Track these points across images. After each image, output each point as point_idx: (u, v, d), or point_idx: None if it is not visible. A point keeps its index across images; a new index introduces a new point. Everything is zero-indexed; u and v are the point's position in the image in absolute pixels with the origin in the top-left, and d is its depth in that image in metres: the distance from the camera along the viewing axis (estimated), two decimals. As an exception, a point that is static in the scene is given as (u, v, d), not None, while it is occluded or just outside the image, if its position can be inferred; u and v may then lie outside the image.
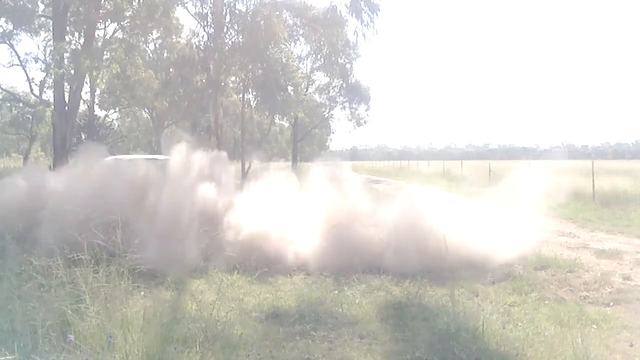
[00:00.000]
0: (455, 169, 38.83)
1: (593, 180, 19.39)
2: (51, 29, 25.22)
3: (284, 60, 26.95)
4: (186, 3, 26.52)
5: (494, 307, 6.11)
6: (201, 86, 25.61)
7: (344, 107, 44.83)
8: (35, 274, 5.02)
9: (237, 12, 25.22)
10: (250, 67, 25.45)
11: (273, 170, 12.68)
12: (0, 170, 23.51)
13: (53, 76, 22.91)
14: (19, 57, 27.38)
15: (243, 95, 28.96)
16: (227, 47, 24.93)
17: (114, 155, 13.57)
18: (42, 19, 26.67)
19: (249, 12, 25.10)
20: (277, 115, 34.48)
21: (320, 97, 45.81)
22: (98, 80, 27.53)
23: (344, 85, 42.20)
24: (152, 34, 29.70)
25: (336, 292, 7.00)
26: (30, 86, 29.26)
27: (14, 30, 25.34)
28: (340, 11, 27.24)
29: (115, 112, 42.72)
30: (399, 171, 50.33)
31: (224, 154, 11.78)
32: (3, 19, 24.46)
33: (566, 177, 17.12)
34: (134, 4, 24.88)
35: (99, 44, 27.76)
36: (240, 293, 6.84)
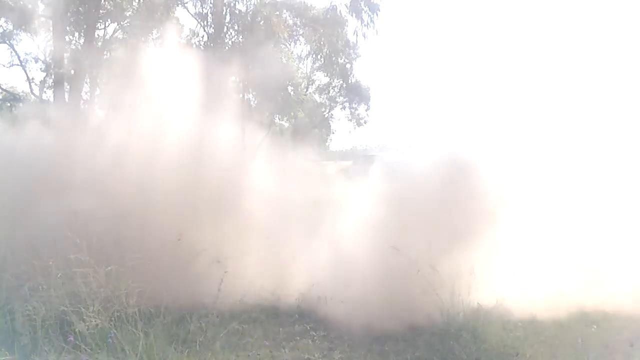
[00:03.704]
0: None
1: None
2: (51, 29, 25.23)
3: (284, 60, 26.97)
4: (186, 3, 26.53)
5: (494, 307, 6.11)
6: (201, 86, 25.62)
7: (344, 107, 44.64)
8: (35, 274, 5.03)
9: (237, 12, 25.24)
10: (250, 67, 25.50)
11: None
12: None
13: (53, 76, 22.92)
14: (19, 57, 27.34)
15: (243, 95, 28.99)
16: (227, 47, 24.95)
17: None
18: (42, 19, 26.65)
19: (249, 12, 25.13)
20: (277, 115, 34.48)
21: (320, 97, 45.65)
22: (98, 80, 27.49)
23: (344, 85, 42.09)
24: (152, 34, 29.64)
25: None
26: (30, 86, 29.21)
27: (14, 30, 25.33)
28: (340, 11, 27.27)
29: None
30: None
31: None
32: (3, 19, 24.46)
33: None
34: (134, 4, 24.88)
35: (99, 44, 27.73)
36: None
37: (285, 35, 26.38)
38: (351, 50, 38.08)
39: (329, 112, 47.92)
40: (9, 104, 29.21)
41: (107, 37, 29.50)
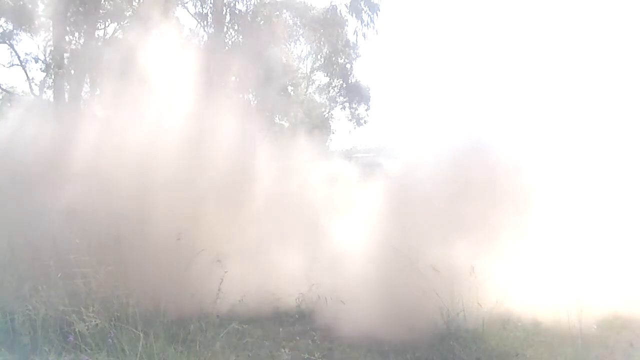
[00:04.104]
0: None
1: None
2: (51, 29, 25.22)
3: (284, 60, 26.98)
4: (186, 3, 26.54)
5: (494, 307, 6.09)
6: (201, 86, 25.58)
7: (344, 107, 44.72)
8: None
9: (237, 12, 25.24)
10: (250, 67, 25.49)
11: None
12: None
13: (53, 76, 22.93)
14: (19, 57, 27.32)
15: (243, 95, 28.96)
16: (227, 47, 24.95)
17: None
18: (42, 19, 26.63)
19: (249, 12, 25.14)
20: (277, 115, 34.47)
21: (320, 97, 45.70)
22: (98, 80, 27.46)
23: (344, 85, 42.15)
24: (152, 34, 29.59)
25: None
26: (30, 86, 29.19)
27: (14, 30, 25.33)
28: (340, 11, 27.30)
29: (115, 112, 42.56)
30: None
31: None
32: (3, 19, 24.46)
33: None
34: (134, 3, 24.90)
35: (99, 44, 27.69)
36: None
37: (285, 35, 26.39)
38: (351, 50, 38.11)
39: (329, 112, 47.88)
40: (9, 104, 29.17)
41: (107, 37, 29.48)
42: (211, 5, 25.03)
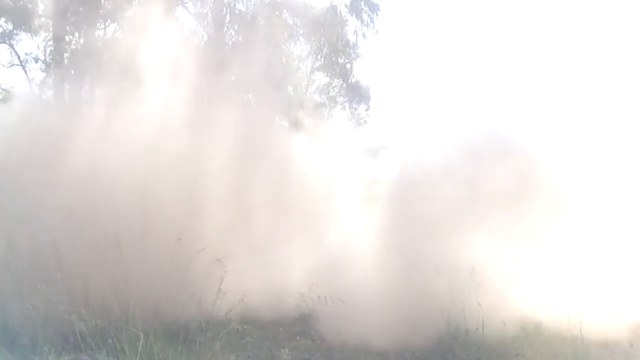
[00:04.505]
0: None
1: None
2: (51, 29, 25.23)
3: (284, 60, 26.98)
4: (186, 3, 26.53)
5: (494, 307, 6.08)
6: (201, 86, 25.56)
7: (344, 107, 44.67)
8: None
9: (237, 12, 25.24)
10: (250, 67, 25.44)
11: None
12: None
13: (53, 76, 22.93)
14: (19, 57, 27.31)
15: (243, 95, 28.91)
16: (227, 47, 24.95)
17: None
18: (42, 19, 26.64)
19: (249, 12, 25.15)
20: (277, 115, 34.34)
21: (320, 97, 45.68)
22: (98, 80, 27.43)
23: (344, 85, 42.12)
24: (152, 34, 29.56)
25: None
26: (30, 86, 29.17)
27: (14, 30, 25.35)
28: (340, 11, 27.30)
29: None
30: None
31: None
32: (3, 19, 24.47)
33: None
34: (133, 3, 24.89)
35: (99, 44, 27.68)
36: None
37: (285, 35, 26.39)
38: (351, 50, 38.07)
39: (329, 112, 47.73)
40: (8, 104, 29.07)
41: (107, 37, 29.43)
42: (211, 5, 25.03)
